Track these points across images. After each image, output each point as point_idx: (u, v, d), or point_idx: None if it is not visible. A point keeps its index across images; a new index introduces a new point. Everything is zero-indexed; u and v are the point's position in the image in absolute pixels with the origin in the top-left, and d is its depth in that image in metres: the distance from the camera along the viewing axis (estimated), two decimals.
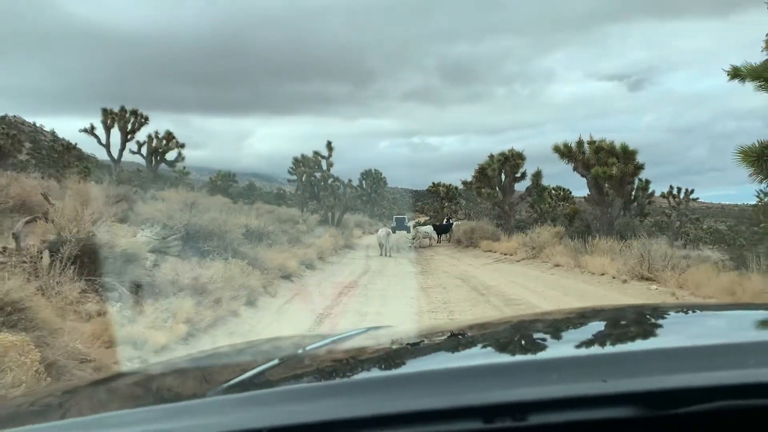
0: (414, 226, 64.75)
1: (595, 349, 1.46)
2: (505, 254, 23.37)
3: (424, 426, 0.95)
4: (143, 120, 38.38)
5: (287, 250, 18.80)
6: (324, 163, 35.49)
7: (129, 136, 37.93)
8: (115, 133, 37.79)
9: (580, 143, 20.87)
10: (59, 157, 55.84)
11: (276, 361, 1.60)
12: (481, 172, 27.03)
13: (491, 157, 27.80)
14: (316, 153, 35.59)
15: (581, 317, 2.08)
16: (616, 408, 0.94)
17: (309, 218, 33.75)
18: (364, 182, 65.41)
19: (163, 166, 41.59)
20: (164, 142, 37.77)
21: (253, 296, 11.70)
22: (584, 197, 55.84)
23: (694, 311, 2.12)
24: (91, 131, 38.03)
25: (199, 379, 1.79)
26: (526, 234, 25.53)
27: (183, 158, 38.41)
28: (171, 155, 38.19)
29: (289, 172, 38.14)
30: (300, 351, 1.84)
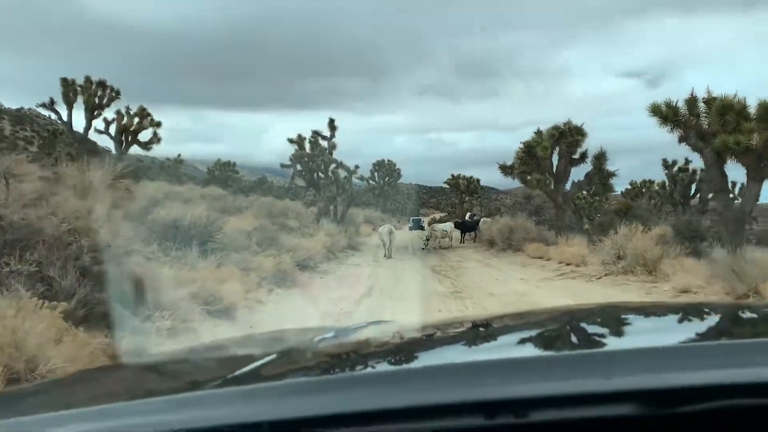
0: (429, 224, 57.71)
1: (599, 347, 1.42)
2: (568, 264, 16.13)
3: (424, 422, 0.93)
4: (114, 94, 31.35)
5: (246, 259, 11.80)
6: (326, 144, 28.36)
7: (96, 113, 31.04)
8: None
9: (692, 101, 13.54)
10: (44, 143, 49.85)
11: (277, 355, 1.60)
12: (528, 152, 19.75)
13: (538, 132, 20.48)
14: (315, 132, 28.49)
15: (587, 314, 2.04)
16: (618, 405, 0.92)
17: (304, 212, 26.70)
18: (376, 174, 58.27)
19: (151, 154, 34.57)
20: (137, 119, 30.72)
21: None
22: (621, 192, 47.91)
23: (701, 311, 2.01)
24: (50, 106, 31.15)
25: (200, 371, 1.74)
26: (591, 236, 18.32)
27: (159, 140, 31.24)
28: (145, 135, 31.00)
29: (291, 160, 30.80)
30: (302, 344, 1.85)
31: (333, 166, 28.89)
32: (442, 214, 67.32)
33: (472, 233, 31.87)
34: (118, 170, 13.44)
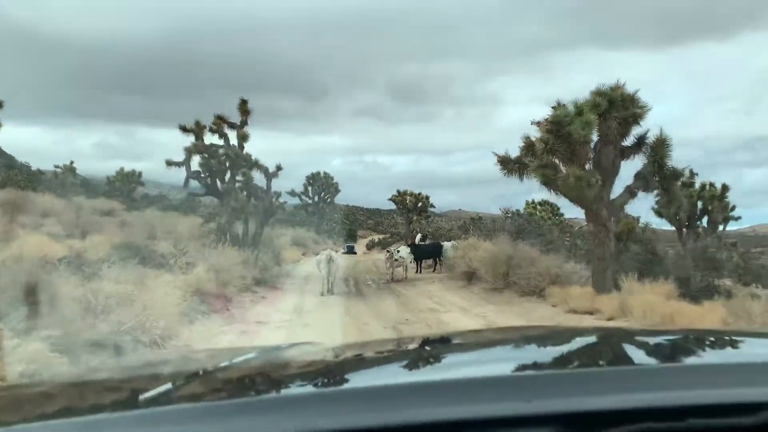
0: (367, 247, 49.86)
1: (521, 369, 1.32)
2: None
3: None
4: None
5: None
6: (233, 137, 19.40)
7: None
8: None
9: None
10: None
11: (190, 376, 1.49)
12: (557, 132, 11.43)
13: (560, 106, 12.25)
14: (219, 118, 19.47)
15: (511, 337, 1.99)
16: (539, 428, 0.90)
17: (198, 230, 17.53)
18: (309, 188, 49.28)
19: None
20: None
21: None
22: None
23: (624, 336, 1.96)
24: None
25: (111, 392, 1.54)
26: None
27: None
28: None
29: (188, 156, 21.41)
30: (218, 366, 1.63)
31: (246, 168, 19.89)
32: (382, 236, 59.06)
33: (438, 260, 23.56)
34: None
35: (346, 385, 1.31)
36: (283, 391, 1.29)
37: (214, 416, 0.97)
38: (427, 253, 24.03)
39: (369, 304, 14.16)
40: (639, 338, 1.82)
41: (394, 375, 1.43)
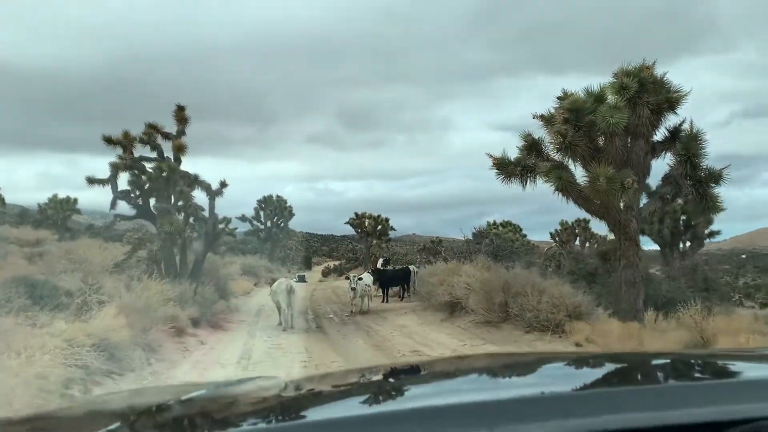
0: (323, 273, 48.07)
1: (483, 396, 1.27)
2: None
3: None
4: None
5: None
6: (169, 149, 16.32)
7: None
8: None
9: None
10: None
11: (133, 416, 1.40)
12: (574, 122, 8.93)
13: (564, 97, 9.81)
14: (151, 126, 16.38)
15: (474, 363, 1.95)
16: None
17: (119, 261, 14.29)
18: (262, 213, 45.90)
19: None
20: None
21: None
22: (551, 234, 38.64)
23: (586, 361, 1.87)
24: None
25: None
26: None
27: None
28: None
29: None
30: (166, 404, 1.49)
31: (183, 185, 16.72)
32: (338, 262, 56.04)
33: (409, 287, 20.76)
34: None
35: (300, 422, 1.23)
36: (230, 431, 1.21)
37: None
38: (395, 280, 21.23)
39: (336, 348, 11.25)
40: (606, 362, 1.76)
41: (352, 408, 1.31)
